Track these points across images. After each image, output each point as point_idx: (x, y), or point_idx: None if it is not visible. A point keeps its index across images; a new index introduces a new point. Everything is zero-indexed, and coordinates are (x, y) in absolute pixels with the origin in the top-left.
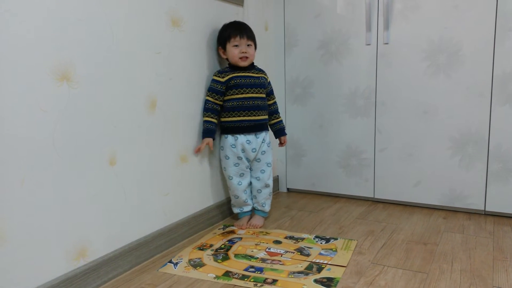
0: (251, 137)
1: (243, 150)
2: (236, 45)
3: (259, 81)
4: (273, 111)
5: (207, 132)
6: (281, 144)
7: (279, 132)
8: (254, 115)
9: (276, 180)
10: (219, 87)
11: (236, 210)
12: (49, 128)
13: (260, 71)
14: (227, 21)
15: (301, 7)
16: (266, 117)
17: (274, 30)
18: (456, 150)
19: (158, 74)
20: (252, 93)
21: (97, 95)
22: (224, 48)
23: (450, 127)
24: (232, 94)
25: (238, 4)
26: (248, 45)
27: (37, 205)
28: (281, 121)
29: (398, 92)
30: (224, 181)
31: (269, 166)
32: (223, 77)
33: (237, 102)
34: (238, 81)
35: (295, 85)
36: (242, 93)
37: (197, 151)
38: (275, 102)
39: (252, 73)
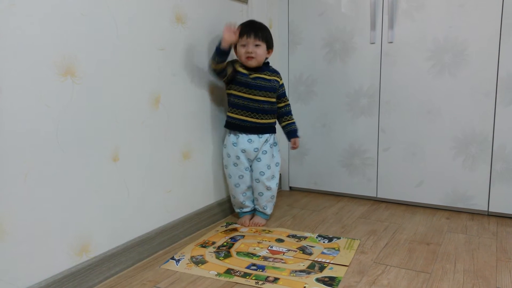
0: (253, 136)
1: (244, 150)
2: (244, 45)
3: (270, 84)
4: (285, 113)
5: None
6: (293, 147)
7: (291, 134)
8: (258, 118)
9: (278, 178)
10: (231, 63)
11: (236, 209)
12: (53, 123)
13: (274, 72)
14: (231, 18)
15: (305, 5)
16: (273, 120)
17: (278, 28)
18: (459, 150)
19: (161, 70)
20: (260, 96)
21: (100, 91)
22: (235, 47)
23: (454, 127)
24: (240, 92)
25: (243, 1)
26: (256, 45)
27: (40, 200)
28: (293, 122)
29: (402, 92)
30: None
31: (269, 168)
32: (240, 66)
33: (243, 101)
34: (249, 80)
35: (299, 83)
36: (250, 94)
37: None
38: (287, 105)
39: (265, 74)
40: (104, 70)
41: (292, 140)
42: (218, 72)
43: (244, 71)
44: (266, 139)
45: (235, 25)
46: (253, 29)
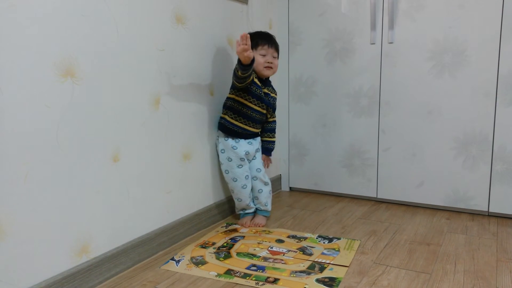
0: (250, 139)
1: (247, 152)
2: (264, 54)
3: (273, 102)
4: (271, 129)
5: None
6: (265, 162)
7: (267, 151)
8: (257, 128)
9: (278, 179)
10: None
11: (238, 211)
12: (53, 124)
13: (274, 91)
14: (232, 18)
15: (305, 6)
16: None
17: (278, 28)
18: (460, 151)
19: (162, 71)
20: (265, 110)
21: (100, 91)
22: None
23: (454, 127)
24: (252, 103)
25: (243, 2)
26: (273, 57)
27: (40, 201)
28: (274, 142)
29: (403, 92)
30: None
31: (263, 165)
32: (255, 77)
33: (252, 112)
34: (262, 94)
35: (299, 84)
36: (261, 107)
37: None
38: (275, 121)
39: (270, 91)
40: (104, 70)
41: (265, 156)
42: (246, 77)
43: (259, 84)
44: (259, 141)
45: (245, 37)
46: (272, 41)
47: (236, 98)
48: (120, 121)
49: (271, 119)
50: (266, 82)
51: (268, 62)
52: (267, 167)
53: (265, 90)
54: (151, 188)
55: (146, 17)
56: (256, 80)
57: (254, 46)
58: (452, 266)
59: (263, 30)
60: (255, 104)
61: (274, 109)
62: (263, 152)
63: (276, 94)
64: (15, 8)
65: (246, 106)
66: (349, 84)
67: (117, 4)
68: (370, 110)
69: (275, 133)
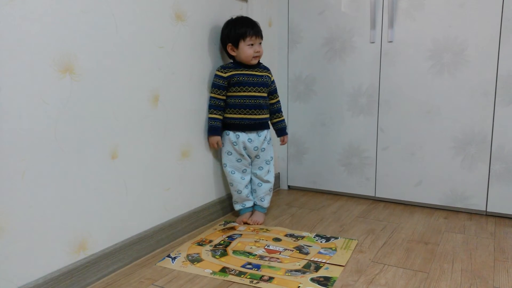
0: (252, 135)
1: (245, 148)
2: (251, 44)
3: (262, 79)
4: (276, 110)
5: (212, 129)
6: (282, 143)
7: (281, 131)
8: (255, 114)
9: (277, 177)
10: (221, 82)
11: (238, 207)
12: (51, 121)
13: (265, 69)
14: (232, 16)
15: (305, 4)
16: (268, 116)
17: (277, 26)
18: (458, 150)
19: (161, 68)
20: (254, 91)
21: (99, 88)
22: (236, 46)
23: (453, 127)
24: (234, 92)
25: None
26: (259, 44)
27: (37, 198)
28: (283, 120)
29: (402, 91)
30: (225, 177)
31: (267, 164)
32: (225, 73)
33: (239, 100)
34: (241, 78)
35: (298, 82)
36: (245, 91)
37: (215, 148)
38: (278, 101)
39: (256, 71)
40: (103, 67)
41: (282, 138)
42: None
43: (231, 73)
44: (265, 137)
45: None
46: (257, 28)
47: (228, 94)
48: (119, 118)
49: (274, 100)
50: (250, 66)
51: (257, 52)
52: (283, 144)
53: (247, 72)
54: (150, 186)
55: (146, 14)
56: (228, 73)
57: (241, 36)
58: (450, 265)
59: (262, 28)
60: (237, 92)
61: (272, 89)
62: (279, 135)
63: (268, 73)
64: (14, 3)
65: (231, 97)
66: (348, 83)
67: (117, 1)
68: (369, 109)
69: (282, 112)
